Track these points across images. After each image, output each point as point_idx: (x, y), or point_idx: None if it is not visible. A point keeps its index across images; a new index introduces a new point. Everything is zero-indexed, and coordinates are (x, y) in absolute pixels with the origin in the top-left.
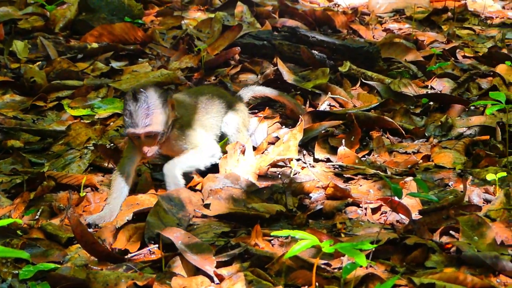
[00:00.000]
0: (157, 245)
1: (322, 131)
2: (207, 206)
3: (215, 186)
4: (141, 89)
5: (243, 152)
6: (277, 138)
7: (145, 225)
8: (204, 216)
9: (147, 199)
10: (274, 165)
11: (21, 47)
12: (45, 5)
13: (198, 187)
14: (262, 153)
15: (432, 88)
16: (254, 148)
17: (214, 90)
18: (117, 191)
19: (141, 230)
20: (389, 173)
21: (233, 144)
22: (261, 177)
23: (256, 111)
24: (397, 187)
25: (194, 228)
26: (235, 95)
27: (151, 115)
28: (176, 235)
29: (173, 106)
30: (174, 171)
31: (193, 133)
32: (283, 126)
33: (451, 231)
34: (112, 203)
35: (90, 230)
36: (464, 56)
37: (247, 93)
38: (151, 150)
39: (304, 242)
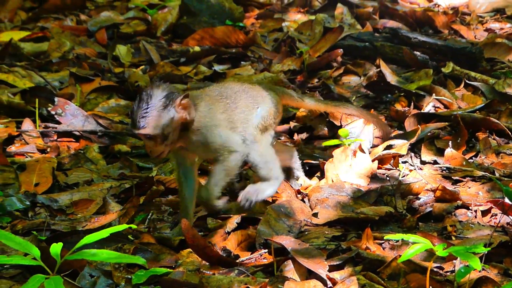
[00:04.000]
0: (266, 250)
1: (428, 133)
2: (315, 215)
3: (321, 196)
4: (147, 88)
5: (354, 154)
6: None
7: (256, 232)
8: (314, 224)
9: None
10: (381, 166)
11: (124, 51)
12: (146, 9)
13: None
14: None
15: None
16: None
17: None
18: (182, 201)
19: (251, 236)
20: (497, 175)
21: (341, 149)
22: (371, 178)
23: None
24: (509, 189)
25: (305, 234)
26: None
27: (148, 117)
28: (286, 242)
29: (186, 107)
30: (210, 198)
31: (216, 135)
32: (389, 128)
33: None
34: (182, 213)
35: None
36: None
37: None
38: (154, 152)
39: (417, 246)
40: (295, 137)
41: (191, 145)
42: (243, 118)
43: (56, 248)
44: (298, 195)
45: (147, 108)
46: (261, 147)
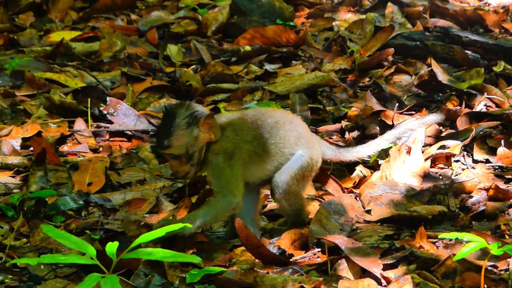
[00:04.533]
0: (320, 249)
1: (480, 132)
2: (368, 212)
3: (375, 193)
4: (170, 106)
5: (408, 152)
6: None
7: (309, 232)
8: (366, 221)
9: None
10: (434, 166)
11: (175, 51)
12: (197, 9)
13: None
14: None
15: None
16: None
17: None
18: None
19: (304, 235)
20: None
21: (397, 146)
22: (424, 177)
23: (413, 112)
24: None
25: (357, 233)
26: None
27: (172, 136)
28: (340, 241)
29: (211, 127)
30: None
31: (224, 171)
32: (441, 127)
33: None
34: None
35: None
36: None
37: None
38: (180, 172)
39: (472, 245)
40: (347, 135)
41: (207, 169)
42: (274, 151)
43: (112, 247)
44: (349, 193)
45: (171, 127)
46: (293, 197)
